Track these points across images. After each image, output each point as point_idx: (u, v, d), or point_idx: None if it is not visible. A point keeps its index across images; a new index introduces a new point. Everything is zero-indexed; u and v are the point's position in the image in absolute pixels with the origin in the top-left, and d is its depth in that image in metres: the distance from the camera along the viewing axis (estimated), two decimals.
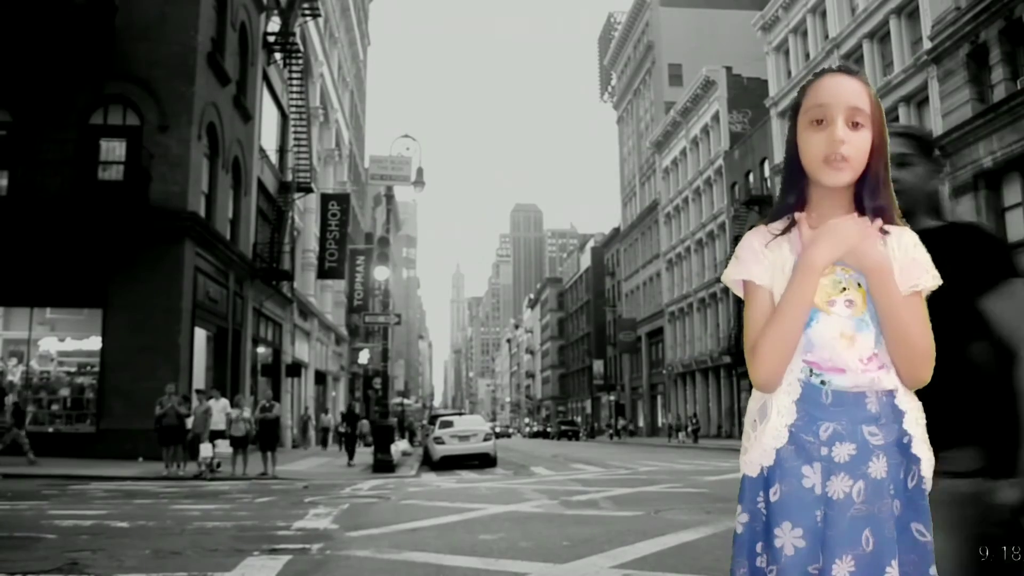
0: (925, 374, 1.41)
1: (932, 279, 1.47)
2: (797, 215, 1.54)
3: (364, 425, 28.32)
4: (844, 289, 1.46)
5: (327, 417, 33.20)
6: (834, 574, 1.33)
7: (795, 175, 1.54)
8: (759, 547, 1.42)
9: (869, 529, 1.35)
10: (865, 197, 1.50)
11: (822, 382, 1.43)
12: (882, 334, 1.43)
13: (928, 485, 1.43)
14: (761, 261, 1.50)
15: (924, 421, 1.45)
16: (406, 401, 57.40)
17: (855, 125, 1.45)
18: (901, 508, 1.39)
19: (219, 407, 15.70)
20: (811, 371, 1.44)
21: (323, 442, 31.28)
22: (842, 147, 1.44)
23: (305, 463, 20.44)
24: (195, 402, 15.97)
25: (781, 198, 1.57)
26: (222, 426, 15.62)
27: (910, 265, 1.46)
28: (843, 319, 1.44)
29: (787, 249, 1.51)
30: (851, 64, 1.57)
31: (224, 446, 15.90)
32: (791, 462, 1.40)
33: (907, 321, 1.41)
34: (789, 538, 1.37)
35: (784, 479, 1.40)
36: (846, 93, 1.46)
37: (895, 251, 1.47)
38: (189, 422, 15.41)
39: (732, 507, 1.55)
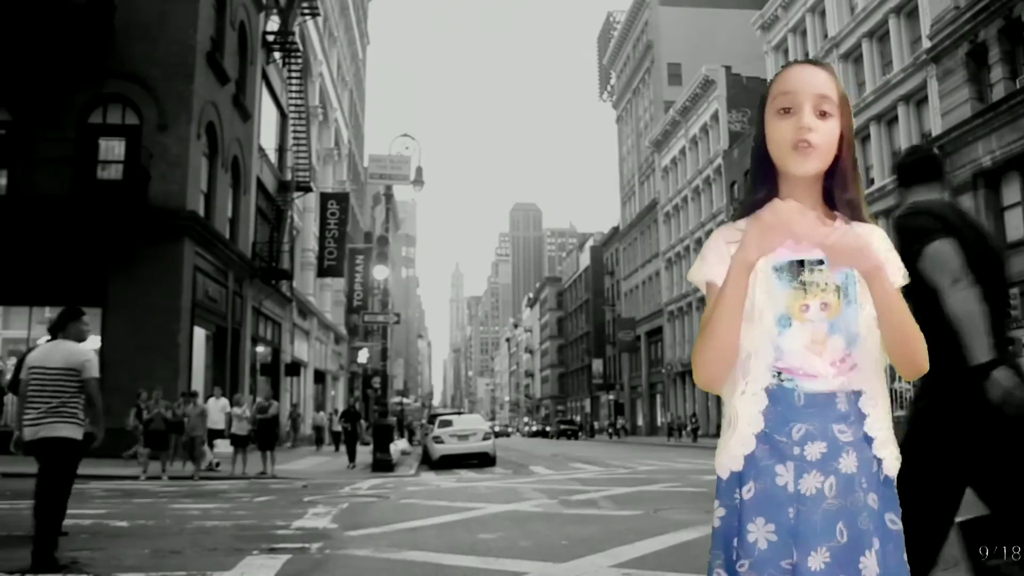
0: (924, 364, 1.44)
1: (904, 278, 1.48)
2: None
3: (361, 424, 27.90)
4: (821, 291, 1.46)
5: (321, 415, 32.26)
6: (810, 565, 1.36)
7: (764, 168, 1.52)
8: (736, 541, 1.45)
9: (842, 522, 1.38)
10: (836, 190, 1.49)
11: (794, 386, 1.45)
12: (881, 333, 1.44)
13: (893, 477, 1.47)
14: (725, 261, 1.48)
15: (889, 422, 1.49)
16: (405, 400, 57.38)
17: (823, 114, 1.44)
18: (876, 500, 1.42)
19: (218, 407, 15.62)
20: (782, 376, 1.46)
21: (317, 441, 30.49)
22: (809, 134, 1.43)
23: (304, 462, 20.44)
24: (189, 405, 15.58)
25: (750, 193, 1.55)
26: (221, 426, 15.53)
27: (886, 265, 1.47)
28: (815, 324, 1.44)
29: None
30: (818, 58, 1.56)
31: (224, 445, 15.83)
32: (765, 461, 1.44)
33: (906, 316, 1.42)
34: (762, 533, 1.40)
35: (758, 478, 1.43)
36: (814, 82, 1.45)
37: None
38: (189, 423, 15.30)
39: None
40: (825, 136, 1.44)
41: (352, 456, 19.63)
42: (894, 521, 1.43)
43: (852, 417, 1.44)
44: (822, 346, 1.44)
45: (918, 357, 1.43)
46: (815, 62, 1.51)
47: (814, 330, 1.44)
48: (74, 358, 5.56)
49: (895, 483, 1.47)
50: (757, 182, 1.54)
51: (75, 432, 5.50)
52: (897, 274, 1.47)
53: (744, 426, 1.45)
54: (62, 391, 5.49)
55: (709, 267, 1.52)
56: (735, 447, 1.46)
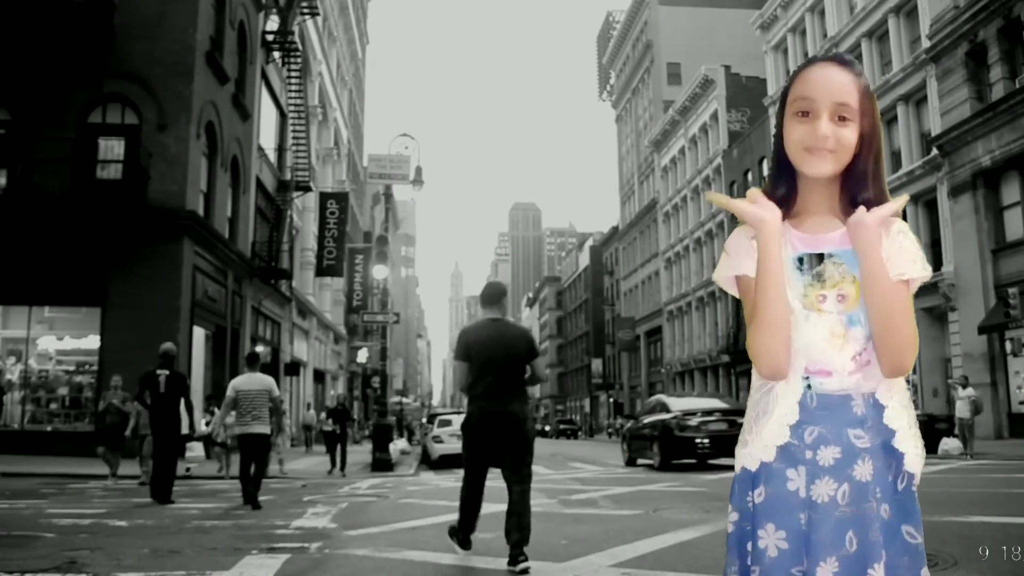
0: (908, 362, 1.38)
1: (919, 270, 1.41)
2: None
3: (352, 423, 25.78)
4: (837, 283, 1.43)
5: (311, 414, 30.82)
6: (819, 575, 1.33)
7: (783, 166, 1.50)
8: (749, 546, 1.42)
9: (852, 531, 1.34)
10: (854, 189, 1.46)
11: (808, 385, 1.42)
12: (867, 312, 1.40)
13: (916, 484, 1.42)
14: (752, 254, 1.45)
15: (911, 414, 1.43)
16: (404, 400, 57.40)
17: (841, 119, 1.42)
18: (891, 511, 1.38)
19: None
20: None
21: (307, 442, 29.35)
22: (825, 143, 1.41)
23: (301, 462, 20.44)
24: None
25: (770, 190, 1.53)
26: (200, 430, 14.75)
27: (897, 253, 1.42)
28: (834, 316, 1.42)
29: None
30: (843, 53, 1.52)
31: (198, 449, 15.07)
32: (776, 464, 1.41)
33: (892, 299, 1.37)
34: (772, 540, 1.37)
35: (769, 481, 1.40)
36: (833, 88, 1.42)
37: (883, 239, 1.42)
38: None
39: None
40: (842, 143, 1.42)
41: (335, 461, 17.39)
42: (911, 534, 1.38)
43: (870, 422, 1.40)
44: (842, 339, 1.41)
45: (902, 356, 1.36)
46: (838, 60, 1.46)
47: (832, 322, 1.41)
48: (265, 384, 9.61)
49: (916, 491, 1.41)
50: (777, 179, 1.52)
51: (267, 429, 9.55)
52: (910, 266, 1.41)
53: (779, 415, 1.41)
54: (259, 404, 9.41)
55: (738, 261, 1.49)
56: (768, 437, 1.42)
